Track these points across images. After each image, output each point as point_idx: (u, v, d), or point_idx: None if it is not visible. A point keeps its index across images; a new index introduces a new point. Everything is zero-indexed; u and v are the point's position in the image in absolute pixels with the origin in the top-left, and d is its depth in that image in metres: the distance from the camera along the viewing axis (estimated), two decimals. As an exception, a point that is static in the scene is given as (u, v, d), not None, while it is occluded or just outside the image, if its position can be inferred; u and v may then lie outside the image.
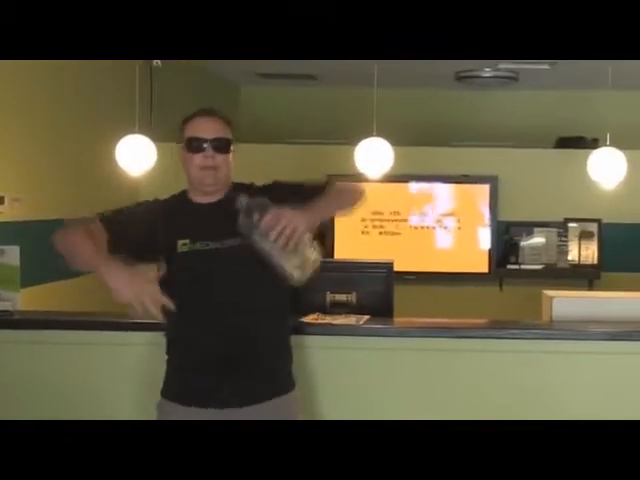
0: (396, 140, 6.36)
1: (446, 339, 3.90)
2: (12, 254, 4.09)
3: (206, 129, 3.09)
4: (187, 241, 3.05)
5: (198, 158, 3.07)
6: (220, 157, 3.10)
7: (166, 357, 3.16)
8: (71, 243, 3.00)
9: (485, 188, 7.81)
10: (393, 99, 8.12)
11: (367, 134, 6.20)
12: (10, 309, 4.02)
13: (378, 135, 6.18)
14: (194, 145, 3.08)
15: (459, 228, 7.82)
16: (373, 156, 6.20)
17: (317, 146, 7.92)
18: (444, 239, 7.86)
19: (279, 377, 3.18)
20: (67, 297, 5.68)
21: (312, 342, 3.87)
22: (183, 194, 3.20)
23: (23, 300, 4.17)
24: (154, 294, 2.81)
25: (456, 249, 7.85)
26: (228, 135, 3.14)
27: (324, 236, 7.48)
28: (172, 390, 3.12)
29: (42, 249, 5.46)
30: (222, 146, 3.11)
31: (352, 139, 6.42)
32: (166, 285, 2.91)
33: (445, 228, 7.82)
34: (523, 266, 7.69)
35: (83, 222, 3.07)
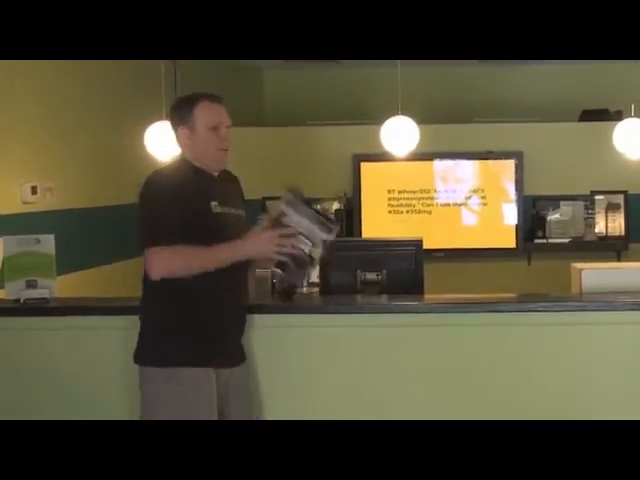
0: (421, 118, 6.36)
1: (477, 314, 3.93)
2: (47, 243, 4.15)
3: (224, 115, 3.46)
4: (217, 203, 3.37)
5: (218, 141, 3.42)
6: (229, 141, 3.48)
7: (174, 323, 3.44)
8: (180, 258, 3.31)
9: (510, 163, 7.81)
10: (417, 77, 8.09)
11: (392, 113, 6.20)
12: (47, 296, 4.09)
13: (403, 113, 6.18)
14: (216, 128, 3.42)
15: (485, 204, 7.82)
16: (399, 135, 6.20)
17: (342, 127, 7.93)
18: (471, 216, 7.87)
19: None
20: (102, 283, 5.74)
21: (344, 321, 3.92)
22: (191, 166, 3.44)
23: (59, 287, 4.24)
24: (287, 240, 3.29)
25: (483, 225, 7.86)
26: None
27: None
28: (190, 355, 3.40)
29: (75, 237, 5.58)
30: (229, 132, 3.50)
31: (377, 119, 6.42)
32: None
33: (472, 205, 7.83)
34: (550, 240, 7.68)
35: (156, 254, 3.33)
